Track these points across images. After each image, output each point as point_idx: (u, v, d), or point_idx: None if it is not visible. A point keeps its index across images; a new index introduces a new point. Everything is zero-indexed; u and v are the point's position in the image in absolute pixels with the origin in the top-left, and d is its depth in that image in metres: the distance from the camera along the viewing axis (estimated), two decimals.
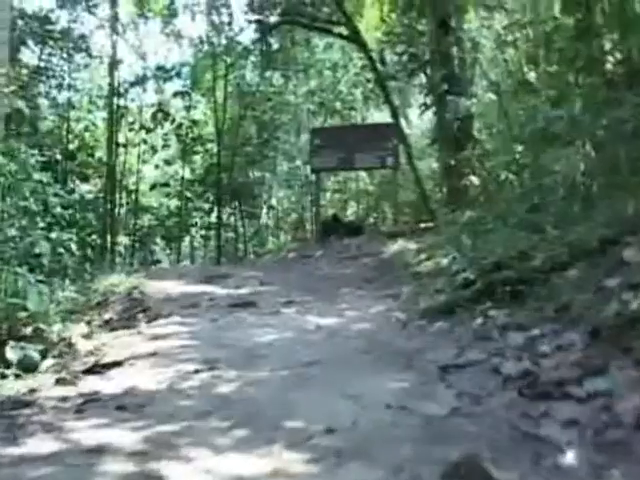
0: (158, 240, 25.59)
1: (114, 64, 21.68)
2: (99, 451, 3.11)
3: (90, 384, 4.66)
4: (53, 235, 9.36)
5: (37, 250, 9.34)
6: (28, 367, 5.43)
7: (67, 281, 9.77)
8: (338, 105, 24.00)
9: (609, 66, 8.49)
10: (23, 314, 6.40)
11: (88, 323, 7.51)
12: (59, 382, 4.83)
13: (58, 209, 9.44)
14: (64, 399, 4.27)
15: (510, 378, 3.91)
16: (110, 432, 3.42)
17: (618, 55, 8.45)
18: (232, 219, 24.87)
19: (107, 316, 8.26)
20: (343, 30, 18.46)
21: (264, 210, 26.61)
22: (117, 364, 5.20)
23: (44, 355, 5.79)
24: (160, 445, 3.15)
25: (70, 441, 3.34)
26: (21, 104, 14.46)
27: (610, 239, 5.55)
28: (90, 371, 5.07)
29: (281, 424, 3.38)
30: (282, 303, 8.29)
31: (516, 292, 5.76)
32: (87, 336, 6.77)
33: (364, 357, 4.98)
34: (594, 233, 5.83)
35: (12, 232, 8.24)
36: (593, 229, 5.94)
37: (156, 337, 6.38)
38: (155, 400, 4.02)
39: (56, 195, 9.67)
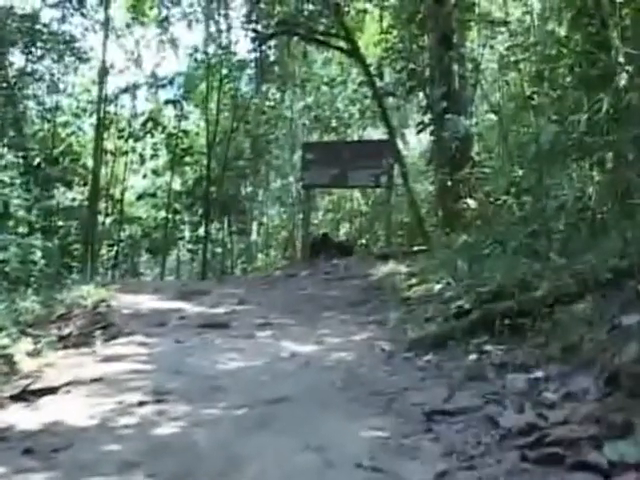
0: (143, 252, 24.86)
1: (105, 69, 21.02)
2: None
3: (8, 415, 3.95)
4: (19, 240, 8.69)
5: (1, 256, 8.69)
6: None
7: (30, 291, 9.08)
8: (334, 122, 23.42)
9: (623, 82, 7.91)
10: None
11: (39, 338, 6.78)
12: None
13: (21, 212, 8.73)
14: None
15: (510, 433, 3.22)
16: None
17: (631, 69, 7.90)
18: (221, 234, 24.17)
19: (67, 331, 7.54)
20: (342, 44, 17.88)
21: (254, 226, 25.93)
22: (51, 390, 4.50)
23: None
24: None
25: None
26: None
27: (624, 270, 4.89)
28: (18, 397, 4.36)
29: None
30: (257, 325, 7.59)
31: (516, 326, 5.09)
32: (34, 354, 6.04)
33: (339, 395, 4.28)
34: (605, 263, 5.17)
35: None
36: (604, 259, 5.27)
37: (109, 359, 5.69)
38: (76, 442, 3.32)
39: (34, 200, 9.01)
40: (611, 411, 3.16)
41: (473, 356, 4.91)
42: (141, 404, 4.09)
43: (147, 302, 9.74)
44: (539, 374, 4.03)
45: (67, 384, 4.65)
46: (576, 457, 2.76)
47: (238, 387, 4.54)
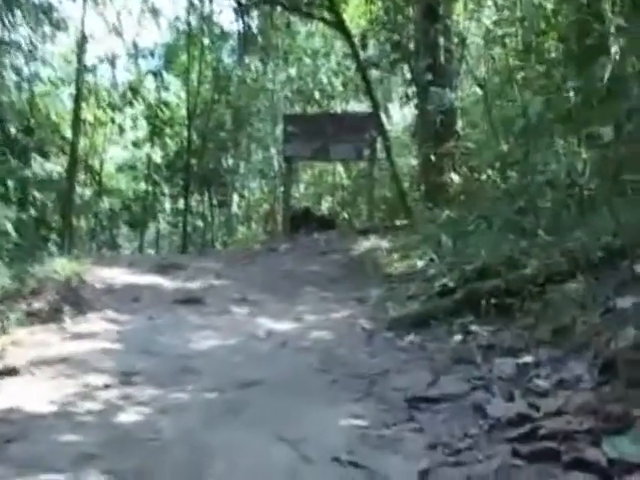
0: (122, 225, 24.45)
1: (84, 37, 20.51)
2: None
3: None
4: None
5: None
6: None
7: (0, 264, 8.77)
8: (317, 95, 23.05)
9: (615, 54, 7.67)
10: None
11: (7, 314, 6.50)
12: None
13: None
14: None
15: (499, 424, 2.99)
16: None
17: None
18: (201, 207, 23.82)
19: (36, 306, 7.26)
20: (326, 15, 17.50)
21: (235, 199, 25.56)
22: (13, 371, 4.22)
23: None
24: None
25: None
26: None
27: (617, 249, 4.67)
28: None
29: None
30: (234, 301, 7.33)
31: (503, 305, 4.86)
32: None
33: (317, 378, 4.05)
34: (597, 242, 4.95)
35: None
36: (595, 237, 5.05)
37: (77, 336, 5.43)
38: (32, 431, 3.07)
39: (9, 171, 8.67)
40: (608, 401, 2.94)
41: (458, 337, 4.69)
42: (106, 387, 3.84)
43: (122, 276, 9.43)
44: (528, 359, 3.80)
45: (32, 364, 4.38)
46: (572, 453, 2.53)
47: (210, 368, 4.30)
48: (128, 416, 3.30)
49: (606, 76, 6.48)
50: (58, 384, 3.92)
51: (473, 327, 4.73)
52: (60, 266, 9.51)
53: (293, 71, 23.40)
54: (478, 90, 12.24)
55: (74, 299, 7.37)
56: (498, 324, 4.65)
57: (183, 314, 6.53)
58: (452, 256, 6.75)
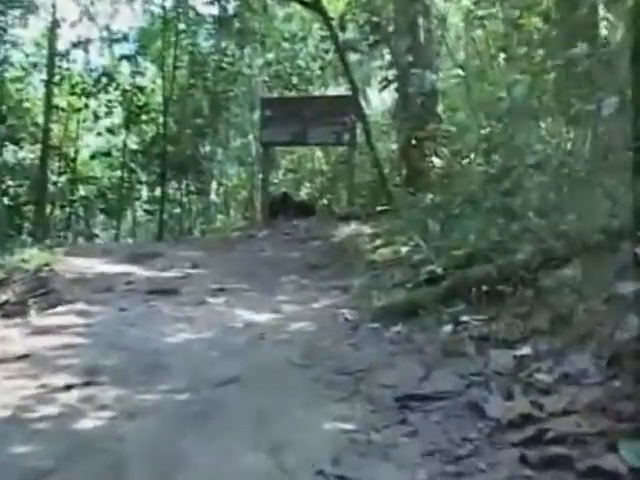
0: (98, 213, 23.98)
1: (55, 21, 20.04)
2: None
3: None
4: None
5: None
6: None
7: None
8: (295, 79, 22.68)
9: (604, 31, 7.41)
10: None
11: None
12: None
13: None
14: None
15: (500, 425, 2.70)
16: None
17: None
18: (178, 194, 23.41)
19: (2, 298, 6.92)
20: None
21: (213, 186, 25.16)
22: None
23: None
24: None
25: None
26: None
27: (615, 232, 4.38)
28: None
29: None
30: (211, 291, 7.00)
31: (495, 293, 4.57)
32: None
33: (298, 375, 3.74)
34: (592, 224, 4.67)
35: None
36: (590, 219, 4.78)
37: (42, 331, 5.08)
38: None
39: None
40: (618, 399, 2.67)
41: (448, 327, 4.38)
42: (68, 388, 3.51)
43: (95, 266, 9.08)
44: (526, 350, 3.52)
45: None
46: (587, 460, 2.24)
47: (183, 365, 3.98)
48: (88, 422, 2.98)
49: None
50: (14, 385, 3.58)
51: (464, 316, 4.43)
52: (29, 256, 9.16)
53: (271, 55, 23.05)
54: (460, 72, 12.02)
55: (42, 291, 7.04)
56: (490, 313, 4.36)
57: (157, 305, 6.19)
58: (438, 241, 6.46)
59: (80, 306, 6.20)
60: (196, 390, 3.43)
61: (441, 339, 4.17)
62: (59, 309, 6.14)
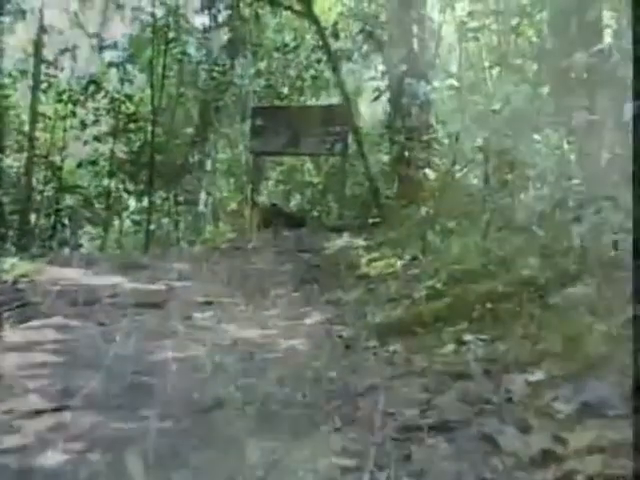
0: (84, 223, 23.61)
1: (42, 28, 19.74)
2: None
3: None
4: None
5: None
6: None
7: None
8: (286, 90, 22.47)
9: (608, 39, 7.19)
10: None
11: None
12: None
13: None
14: None
15: (519, 463, 2.40)
16: None
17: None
18: (166, 204, 23.08)
19: None
20: (295, 4, 16.96)
21: (202, 197, 24.86)
22: None
23: None
24: None
25: None
26: None
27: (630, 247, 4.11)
28: None
29: None
30: (197, 305, 6.70)
31: (500, 311, 4.28)
32: None
33: (288, 399, 3.43)
34: (602, 238, 4.40)
35: None
36: (603, 232, 4.51)
37: (14, 347, 4.74)
38: None
39: None
40: None
41: (450, 347, 4.10)
42: (37, 414, 3.19)
43: (78, 277, 8.75)
44: (540, 375, 3.23)
45: None
46: None
47: (165, 387, 3.66)
48: (53, 457, 2.64)
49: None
50: None
51: (467, 336, 4.15)
52: (11, 265, 8.84)
53: (262, 65, 22.86)
54: (454, 82, 11.84)
55: (19, 303, 6.72)
56: (495, 332, 4.07)
57: (140, 320, 5.88)
58: (435, 254, 6.18)
59: (58, 320, 5.87)
60: (177, 417, 3.11)
61: (443, 360, 3.87)
62: (35, 323, 5.80)
